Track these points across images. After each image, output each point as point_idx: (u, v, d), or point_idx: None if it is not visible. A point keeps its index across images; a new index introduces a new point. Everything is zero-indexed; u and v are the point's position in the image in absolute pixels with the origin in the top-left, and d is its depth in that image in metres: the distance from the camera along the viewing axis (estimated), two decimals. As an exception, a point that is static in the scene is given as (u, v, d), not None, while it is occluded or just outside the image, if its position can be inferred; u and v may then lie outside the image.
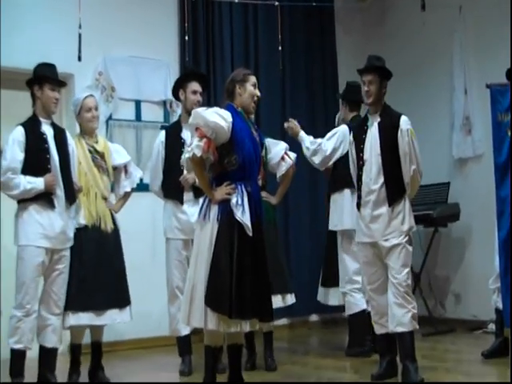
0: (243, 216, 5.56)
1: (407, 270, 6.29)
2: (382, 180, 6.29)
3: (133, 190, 7.36)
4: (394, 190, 6.29)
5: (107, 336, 7.32)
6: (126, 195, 7.29)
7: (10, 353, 6.46)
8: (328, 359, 7.76)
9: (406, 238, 6.30)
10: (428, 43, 10.19)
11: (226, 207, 5.58)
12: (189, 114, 7.06)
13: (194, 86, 7.35)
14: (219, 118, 5.56)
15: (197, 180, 6.05)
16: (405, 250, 6.28)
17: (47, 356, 6.54)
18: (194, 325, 5.66)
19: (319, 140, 7.82)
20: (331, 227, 7.94)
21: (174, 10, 9.75)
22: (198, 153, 5.50)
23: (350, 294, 7.73)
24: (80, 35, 7.96)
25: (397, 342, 6.33)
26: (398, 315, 6.22)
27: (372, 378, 6.33)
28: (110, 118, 9.21)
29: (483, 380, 6.52)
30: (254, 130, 5.89)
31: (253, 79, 5.90)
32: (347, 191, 7.73)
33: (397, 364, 6.44)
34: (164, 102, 9.57)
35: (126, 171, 7.28)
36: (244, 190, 5.65)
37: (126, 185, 7.25)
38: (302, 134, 7.89)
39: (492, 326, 8.63)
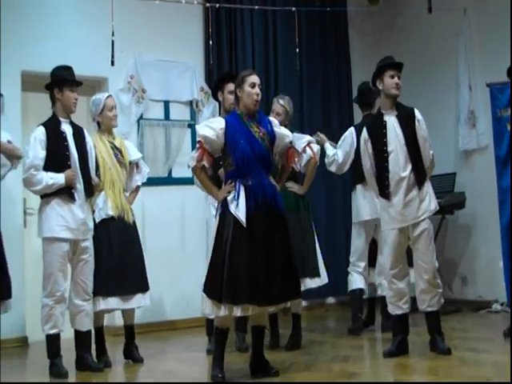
0: (237, 209, 5.69)
1: (435, 255, 6.44)
2: (410, 167, 6.37)
3: (142, 184, 7.35)
4: (421, 173, 6.41)
5: (142, 318, 7.37)
6: (137, 189, 7.28)
7: (45, 338, 6.49)
8: (343, 338, 7.79)
9: (430, 222, 6.45)
10: (435, 44, 10.19)
11: (223, 204, 5.79)
12: (227, 112, 7.16)
13: (231, 86, 7.26)
14: (208, 129, 5.87)
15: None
16: (432, 236, 6.46)
17: (83, 338, 6.56)
18: (207, 312, 5.88)
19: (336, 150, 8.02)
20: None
21: (198, 18, 9.77)
22: (192, 163, 5.93)
23: (351, 273, 8.11)
24: (113, 42, 8.00)
25: (425, 318, 6.52)
26: (427, 299, 6.43)
27: (384, 355, 6.37)
28: (141, 117, 9.24)
29: (489, 355, 6.51)
30: (258, 127, 5.95)
31: (250, 79, 5.97)
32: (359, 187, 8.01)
33: (407, 343, 6.47)
34: (190, 102, 9.58)
35: (138, 167, 7.29)
36: (241, 185, 5.77)
37: (137, 179, 7.23)
38: (327, 145, 8.11)
39: (496, 306, 8.69)
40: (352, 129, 7.92)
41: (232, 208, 5.69)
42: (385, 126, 6.49)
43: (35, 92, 8.12)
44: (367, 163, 6.67)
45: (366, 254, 8.20)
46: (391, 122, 6.47)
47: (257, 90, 5.95)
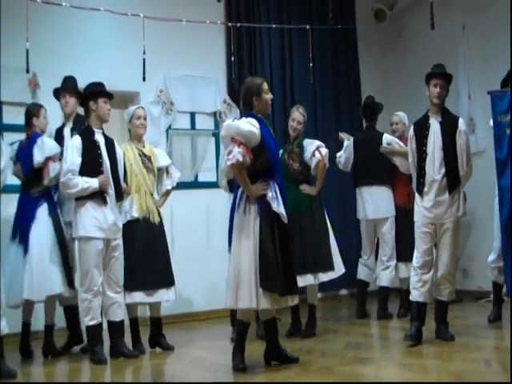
0: (279, 207, 5.60)
1: (455, 254, 6.53)
2: (443, 171, 6.39)
3: (173, 188, 7.34)
4: (453, 180, 6.41)
5: (171, 309, 7.40)
6: (167, 192, 7.27)
7: (86, 329, 6.55)
8: (356, 326, 7.81)
9: (458, 225, 6.50)
10: (436, 56, 10.04)
11: (263, 202, 5.59)
12: None
13: None
14: (251, 126, 5.58)
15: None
16: (456, 236, 6.48)
17: (116, 328, 6.61)
18: (241, 306, 5.60)
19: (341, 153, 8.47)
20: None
21: (221, 36, 9.80)
22: (241, 158, 5.48)
23: (360, 265, 8.44)
24: (144, 60, 8.07)
25: (434, 306, 6.56)
26: (441, 289, 6.51)
27: (405, 337, 6.37)
28: (169, 127, 9.28)
29: (488, 341, 6.57)
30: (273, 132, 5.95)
31: (266, 87, 5.88)
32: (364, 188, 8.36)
33: (422, 332, 6.43)
34: (214, 113, 9.61)
35: (168, 172, 7.29)
36: (275, 184, 5.67)
37: (167, 183, 7.24)
38: (345, 143, 8.48)
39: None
40: (352, 139, 8.38)
41: (275, 206, 5.58)
42: (428, 128, 6.52)
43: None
44: (410, 157, 6.72)
45: (370, 248, 8.47)
46: (435, 126, 6.49)
47: (270, 95, 5.93)
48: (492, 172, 7.13)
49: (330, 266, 7.30)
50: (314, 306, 7.41)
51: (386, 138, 8.29)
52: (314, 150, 7.29)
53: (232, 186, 7.29)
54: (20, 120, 7.20)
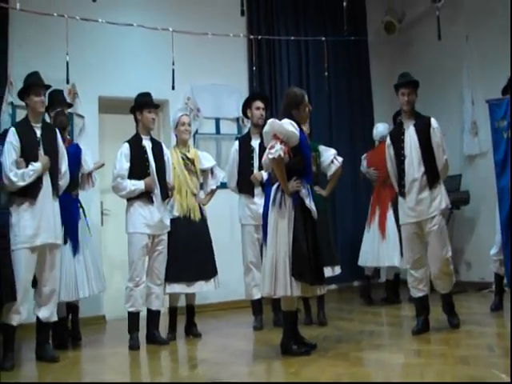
0: (311, 203, 5.67)
1: (447, 246, 6.37)
2: (422, 169, 6.31)
3: (217, 187, 7.41)
4: (433, 176, 6.34)
5: (198, 300, 7.44)
6: (212, 191, 7.35)
7: (128, 315, 6.63)
8: (369, 315, 7.82)
9: (442, 218, 6.39)
10: (442, 65, 10.15)
11: (298, 197, 5.62)
12: (255, 126, 7.28)
13: (257, 103, 7.45)
14: (292, 127, 5.60)
15: (277, 176, 5.70)
16: (443, 230, 6.38)
17: (153, 316, 6.72)
18: (280, 294, 5.57)
19: None
20: None
21: (243, 48, 9.82)
22: (282, 154, 5.50)
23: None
24: (173, 70, 8.10)
25: (440, 299, 6.50)
26: (441, 284, 6.43)
27: (413, 333, 6.29)
28: (196, 132, 9.31)
29: (491, 328, 6.59)
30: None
31: (306, 98, 5.89)
32: None
33: (429, 321, 6.43)
34: (237, 119, 9.64)
35: (212, 173, 7.35)
36: (307, 183, 5.73)
37: (212, 183, 7.33)
38: None
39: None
40: None
41: (307, 202, 5.63)
42: (403, 133, 6.46)
43: (110, 114, 8.24)
44: (389, 165, 6.67)
45: None
46: (409, 130, 6.43)
47: (310, 106, 5.98)
48: (493, 171, 7.13)
49: (337, 262, 7.44)
50: (322, 296, 7.36)
51: None
52: (332, 158, 7.38)
53: (240, 188, 7.47)
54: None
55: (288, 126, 5.60)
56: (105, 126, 8.81)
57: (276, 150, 5.50)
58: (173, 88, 8.14)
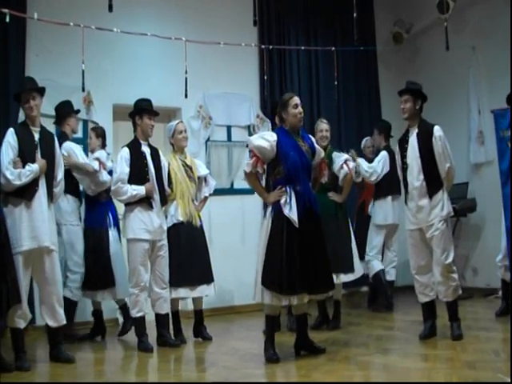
0: (290, 212, 5.57)
1: (448, 252, 6.23)
2: (422, 178, 6.22)
3: (210, 195, 7.38)
4: (432, 184, 6.22)
5: (211, 303, 7.45)
6: (205, 199, 7.32)
7: (134, 321, 6.63)
8: (377, 320, 7.82)
9: (445, 224, 6.23)
10: (449, 75, 10.18)
11: (277, 206, 5.63)
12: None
13: None
14: (263, 140, 5.71)
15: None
16: (445, 236, 6.23)
17: (162, 320, 6.71)
18: (258, 300, 5.68)
19: (371, 164, 8.35)
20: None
21: (255, 57, 9.83)
22: (248, 169, 5.76)
23: (373, 260, 8.51)
24: (186, 79, 8.13)
25: (446, 307, 6.35)
26: (443, 290, 6.27)
27: (420, 338, 6.28)
28: (208, 139, 9.33)
29: (497, 333, 6.59)
30: (303, 142, 5.87)
31: (293, 102, 5.84)
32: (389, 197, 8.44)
33: (436, 326, 6.41)
34: (248, 126, 9.63)
35: (206, 181, 7.33)
36: (292, 190, 5.65)
37: (205, 191, 7.29)
38: (360, 160, 8.30)
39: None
40: (386, 153, 8.40)
41: (286, 211, 5.57)
42: (407, 142, 6.40)
43: (124, 121, 8.24)
44: (398, 171, 6.63)
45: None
46: (413, 137, 6.35)
47: (299, 109, 5.85)
48: (499, 179, 7.14)
49: (351, 268, 7.30)
50: (339, 301, 7.42)
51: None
52: (342, 163, 7.33)
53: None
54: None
55: (256, 140, 5.75)
56: (119, 134, 8.86)
57: (246, 164, 5.82)
58: (185, 96, 8.17)
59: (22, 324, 5.74)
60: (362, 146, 9.17)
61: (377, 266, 8.44)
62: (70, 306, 6.87)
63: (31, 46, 8.15)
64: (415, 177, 6.28)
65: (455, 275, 6.31)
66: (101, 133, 7.56)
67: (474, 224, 9.66)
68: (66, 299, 6.50)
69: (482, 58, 9.64)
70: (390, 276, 8.61)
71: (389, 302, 8.43)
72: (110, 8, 6.69)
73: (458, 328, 6.27)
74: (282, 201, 5.62)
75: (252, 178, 5.83)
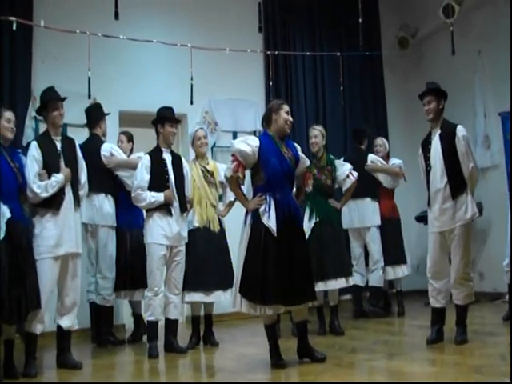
0: (269, 220, 5.42)
1: (466, 258, 6.13)
2: (445, 180, 6.09)
3: (235, 199, 7.35)
4: (456, 186, 6.09)
5: (217, 309, 7.43)
6: (231, 203, 7.22)
7: (147, 323, 6.65)
8: (383, 325, 7.79)
9: (466, 230, 6.10)
10: (454, 79, 10.11)
11: (255, 214, 5.49)
12: None
13: None
14: (245, 145, 5.57)
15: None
16: (465, 242, 6.12)
17: (171, 325, 6.70)
18: (237, 308, 5.59)
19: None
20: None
21: (260, 63, 9.88)
22: (229, 173, 5.65)
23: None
24: (192, 85, 8.17)
25: (455, 309, 6.29)
26: (455, 293, 6.22)
27: (427, 343, 6.20)
28: (214, 145, 9.35)
29: (504, 337, 6.51)
30: (286, 149, 5.70)
31: (286, 108, 5.76)
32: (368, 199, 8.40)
33: (443, 331, 6.33)
34: (254, 132, 9.53)
35: None
36: (271, 198, 5.49)
37: (230, 195, 7.13)
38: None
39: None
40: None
41: (264, 219, 5.41)
42: (430, 143, 6.28)
43: (130, 127, 8.26)
44: (422, 174, 6.49)
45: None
46: (436, 139, 6.22)
47: (290, 117, 5.76)
48: (505, 184, 7.09)
49: (350, 273, 7.34)
50: (335, 306, 7.40)
51: (371, 157, 8.47)
52: (348, 172, 7.34)
53: None
54: (79, 139, 7.30)
55: (238, 144, 5.63)
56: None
57: (227, 168, 5.72)
58: (191, 102, 8.22)
59: (38, 329, 5.77)
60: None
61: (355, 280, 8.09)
62: (106, 312, 7.10)
63: (37, 53, 8.19)
64: (439, 179, 6.16)
65: (471, 283, 6.25)
66: (131, 137, 7.65)
67: (480, 228, 9.61)
68: (100, 307, 6.56)
69: (488, 62, 9.61)
70: (376, 282, 8.40)
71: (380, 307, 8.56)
72: (116, 15, 6.72)
73: (462, 333, 6.20)
74: (261, 209, 5.47)
75: (233, 183, 5.72)
